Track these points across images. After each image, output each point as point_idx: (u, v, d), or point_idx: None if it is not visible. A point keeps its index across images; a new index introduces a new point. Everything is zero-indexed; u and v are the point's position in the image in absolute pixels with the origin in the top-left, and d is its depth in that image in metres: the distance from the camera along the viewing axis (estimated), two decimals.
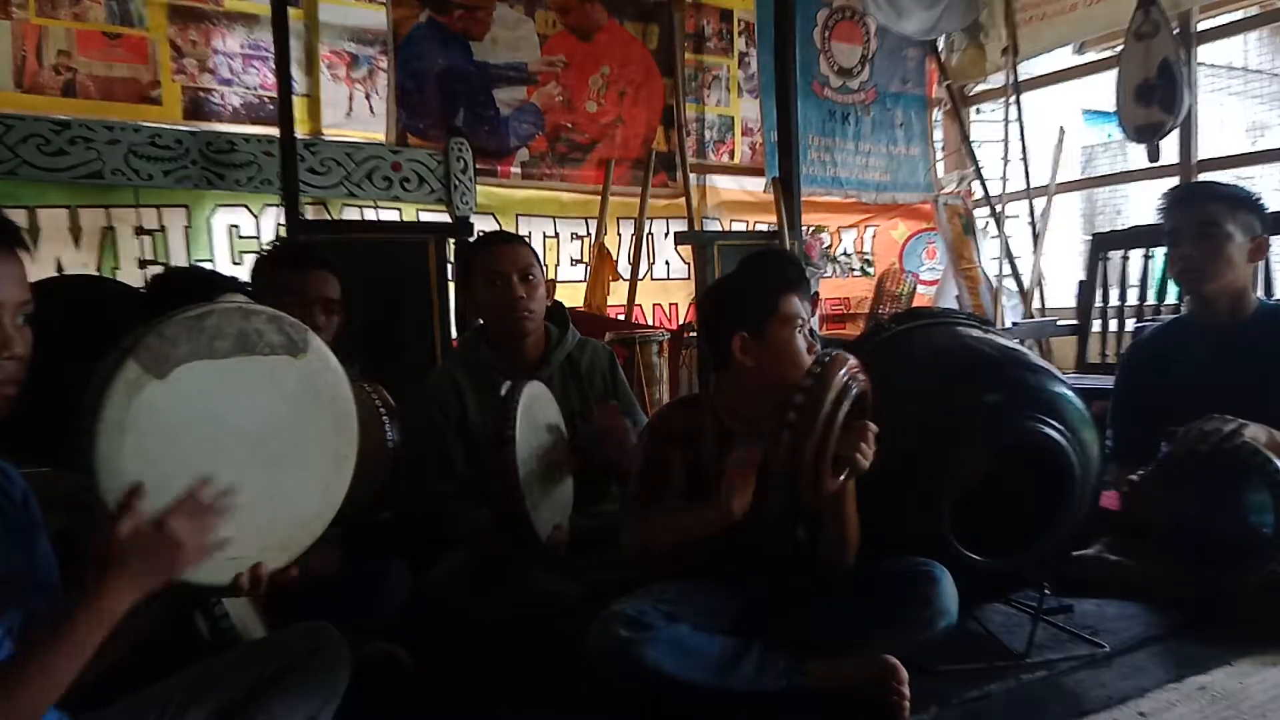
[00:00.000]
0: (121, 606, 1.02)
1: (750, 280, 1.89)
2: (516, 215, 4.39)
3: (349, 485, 1.32)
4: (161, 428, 1.10)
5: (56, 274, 3.26)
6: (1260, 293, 2.97)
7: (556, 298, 2.38)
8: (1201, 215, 2.15)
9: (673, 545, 1.67)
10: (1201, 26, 4.61)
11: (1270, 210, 2.22)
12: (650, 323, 4.65)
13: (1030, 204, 4.96)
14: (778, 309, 1.70)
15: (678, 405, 2.03)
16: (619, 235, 4.63)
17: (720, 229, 4.89)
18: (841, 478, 1.55)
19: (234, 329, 1.19)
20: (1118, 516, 2.18)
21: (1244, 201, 2.17)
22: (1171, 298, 3.50)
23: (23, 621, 1.08)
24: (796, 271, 2.52)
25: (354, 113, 3.95)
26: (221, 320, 1.17)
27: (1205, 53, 5.07)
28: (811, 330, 1.76)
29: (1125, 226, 5.28)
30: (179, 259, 3.52)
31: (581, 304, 4.33)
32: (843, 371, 1.51)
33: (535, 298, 2.19)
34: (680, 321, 4.72)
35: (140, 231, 3.44)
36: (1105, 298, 3.69)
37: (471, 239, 3.33)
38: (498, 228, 4.18)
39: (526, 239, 2.56)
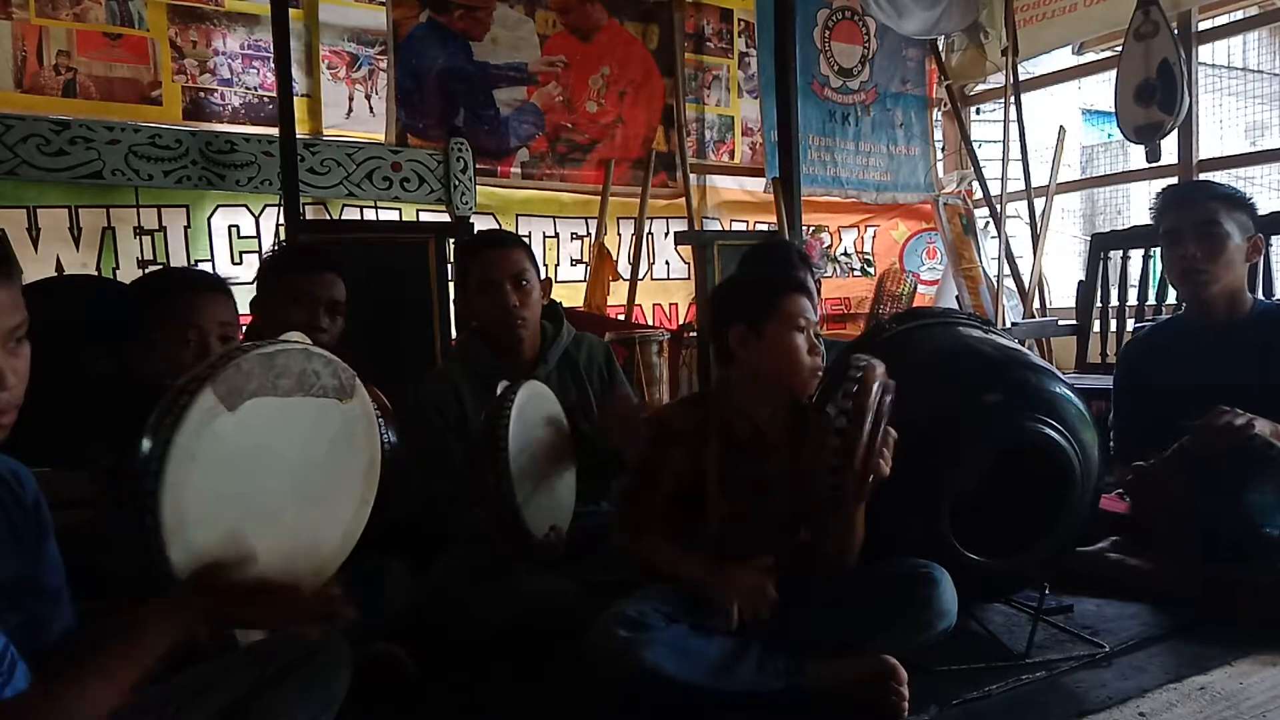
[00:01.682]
0: (165, 648, 1.06)
1: (756, 274, 1.89)
2: (516, 215, 4.38)
3: (363, 529, 1.37)
4: (223, 457, 1.14)
5: (56, 274, 3.26)
6: (1260, 293, 2.97)
7: (552, 296, 2.37)
8: (1202, 214, 2.14)
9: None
10: (1201, 26, 4.61)
11: (1264, 210, 2.23)
12: (650, 323, 4.65)
13: (1030, 204, 4.96)
14: (779, 306, 1.70)
15: (682, 403, 2.03)
16: (619, 235, 4.62)
17: (720, 229, 4.89)
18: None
19: (297, 368, 1.23)
20: (1124, 515, 2.18)
21: (1240, 201, 2.18)
22: (1171, 298, 3.49)
23: (23, 624, 1.07)
24: (803, 268, 2.52)
25: (354, 113, 3.94)
26: (289, 360, 1.22)
27: (1205, 53, 5.08)
28: (816, 333, 1.75)
29: (1125, 226, 5.29)
30: (179, 259, 3.52)
31: (581, 304, 4.33)
32: (878, 383, 1.51)
33: (529, 304, 2.18)
34: (680, 321, 4.71)
35: (140, 231, 3.44)
36: (1105, 298, 3.69)
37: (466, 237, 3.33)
38: (497, 227, 4.18)
39: (525, 240, 2.55)
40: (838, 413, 1.49)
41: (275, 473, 1.22)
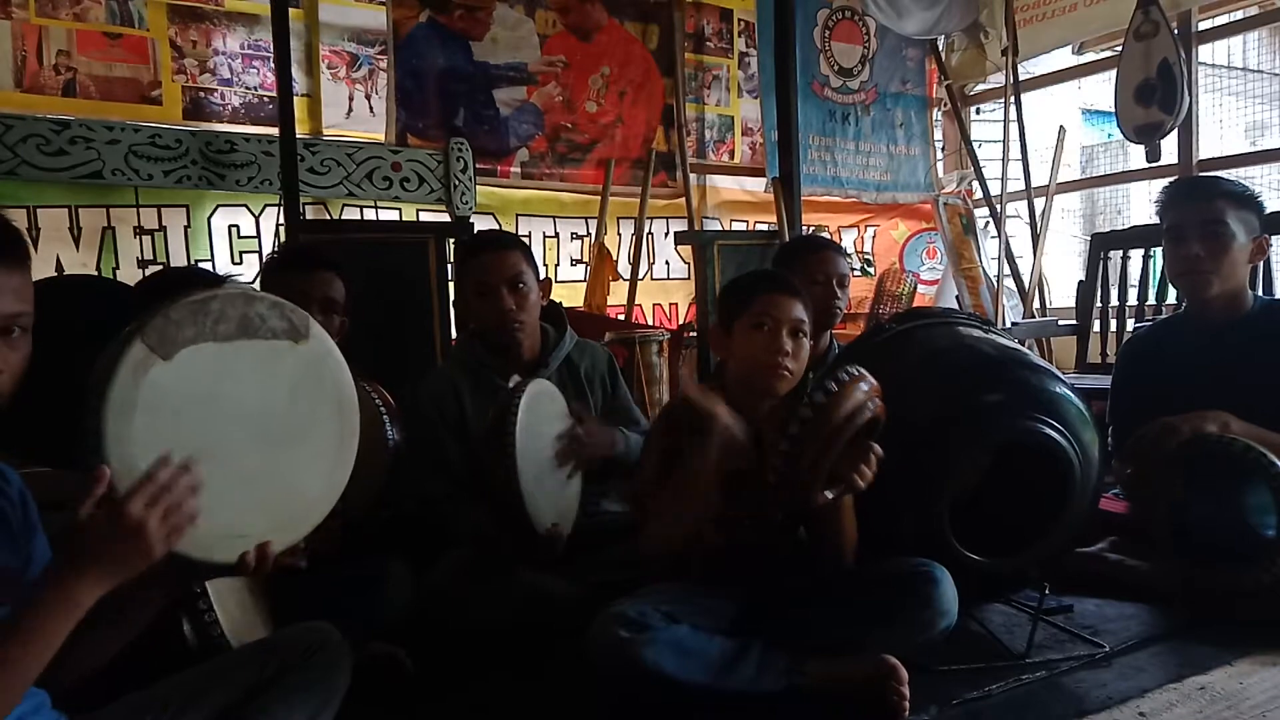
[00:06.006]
0: (84, 597, 0.97)
1: (747, 275, 1.92)
2: (516, 215, 4.39)
3: (352, 469, 1.33)
4: (167, 407, 1.11)
5: (56, 274, 3.26)
6: (1259, 291, 2.97)
7: (553, 298, 2.36)
8: (1208, 212, 2.09)
9: (687, 508, 1.63)
10: (1201, 26, 4.61)
11: (1269, 210, 2.21)
12: (650, 323, 4.65)
13: (1030, 204, 4.96)
14: (748, 304, 1.70)
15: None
16: (619, 235, 4.63)
17: (720, 229, 4.89)
18: (831, 495, 1.52)
19: (237, 313, 1.21)
20: (1121, 517, 2.17)
21: (1248, 199, 2.13)
22: (1172, 297, 3.49)
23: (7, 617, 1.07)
24: (839, 257, 2.52)
25: (354, 113, 3.95)
26: (225, 305, 1.20)
27: (1205, 53, 5.08)
28: (799, 332, 1.71)
29: (1125, 226, 5.29)
30: (179, 259, 3.52)
31: (581, 304, 4.33)
32: (859, 392, 1.48)
33: (526, 307, 2.17)
34: (680, 321, 4.71)
35: (140, 231, 3.45)
36: (1105, 298, 3.69)
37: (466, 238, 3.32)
38: (497, 227, 4.18)
39: (524, 240, 2.55)
40: (796, 420, 1.46)
41: (230, 420, 1.19)
